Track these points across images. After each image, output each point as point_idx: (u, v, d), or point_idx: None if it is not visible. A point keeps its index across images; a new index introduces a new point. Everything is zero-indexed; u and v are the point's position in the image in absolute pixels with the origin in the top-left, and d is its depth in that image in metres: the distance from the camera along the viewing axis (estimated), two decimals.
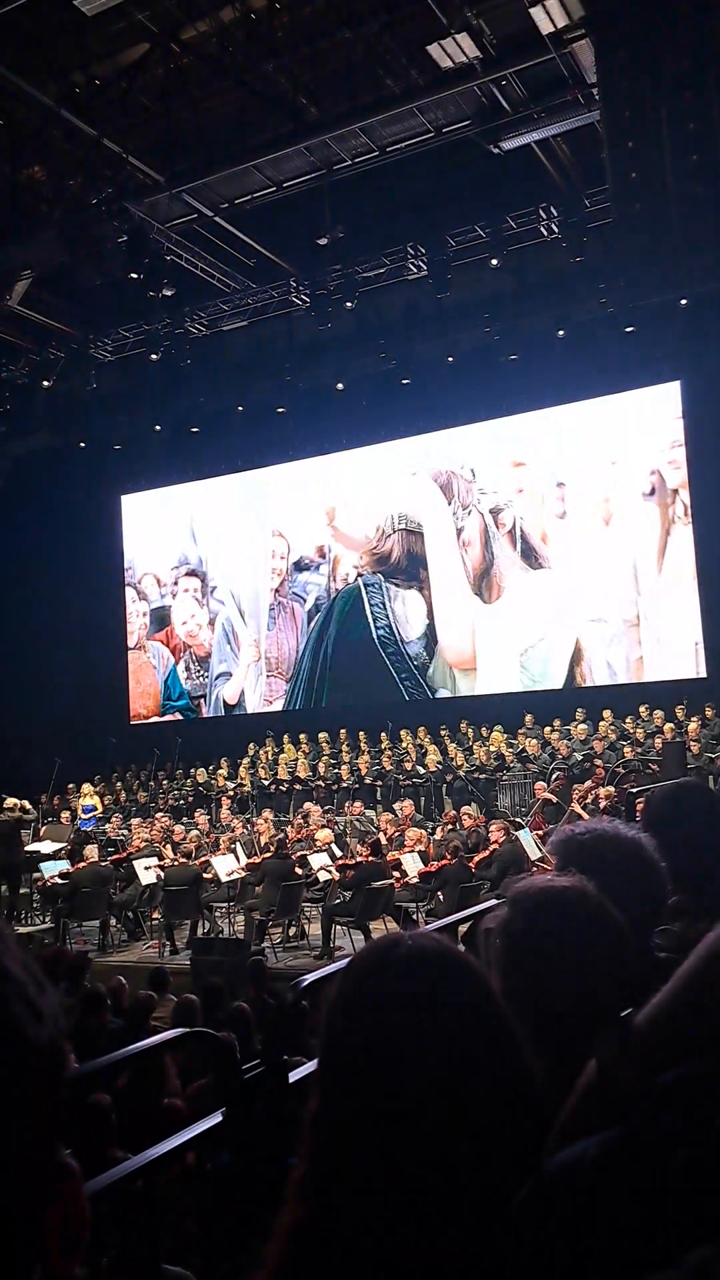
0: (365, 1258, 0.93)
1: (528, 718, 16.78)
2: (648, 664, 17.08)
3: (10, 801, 13.18)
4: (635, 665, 17.17)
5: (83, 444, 20.32)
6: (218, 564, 21.44)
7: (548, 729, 16.28)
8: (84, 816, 16.68)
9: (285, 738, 18.75)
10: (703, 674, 16.40)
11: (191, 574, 21.74)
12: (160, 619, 22.01)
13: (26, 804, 14.10)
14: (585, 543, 17.66)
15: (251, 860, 11.97)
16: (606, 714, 16.00)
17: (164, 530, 21.92)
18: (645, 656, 17.09)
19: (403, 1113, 0.95)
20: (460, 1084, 0.96)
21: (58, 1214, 0.61)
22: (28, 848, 13.78)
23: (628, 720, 15.88)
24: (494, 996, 1.05)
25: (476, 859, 10.91)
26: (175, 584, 21.89)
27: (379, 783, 16.67)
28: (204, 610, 21.57)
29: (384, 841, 11.88)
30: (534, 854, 10.51)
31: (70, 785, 18.44)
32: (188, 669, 21.66)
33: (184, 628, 21.77)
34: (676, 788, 2.37)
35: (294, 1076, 2.53)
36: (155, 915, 12.25)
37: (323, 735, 18.62)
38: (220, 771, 18.45)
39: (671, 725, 15.08)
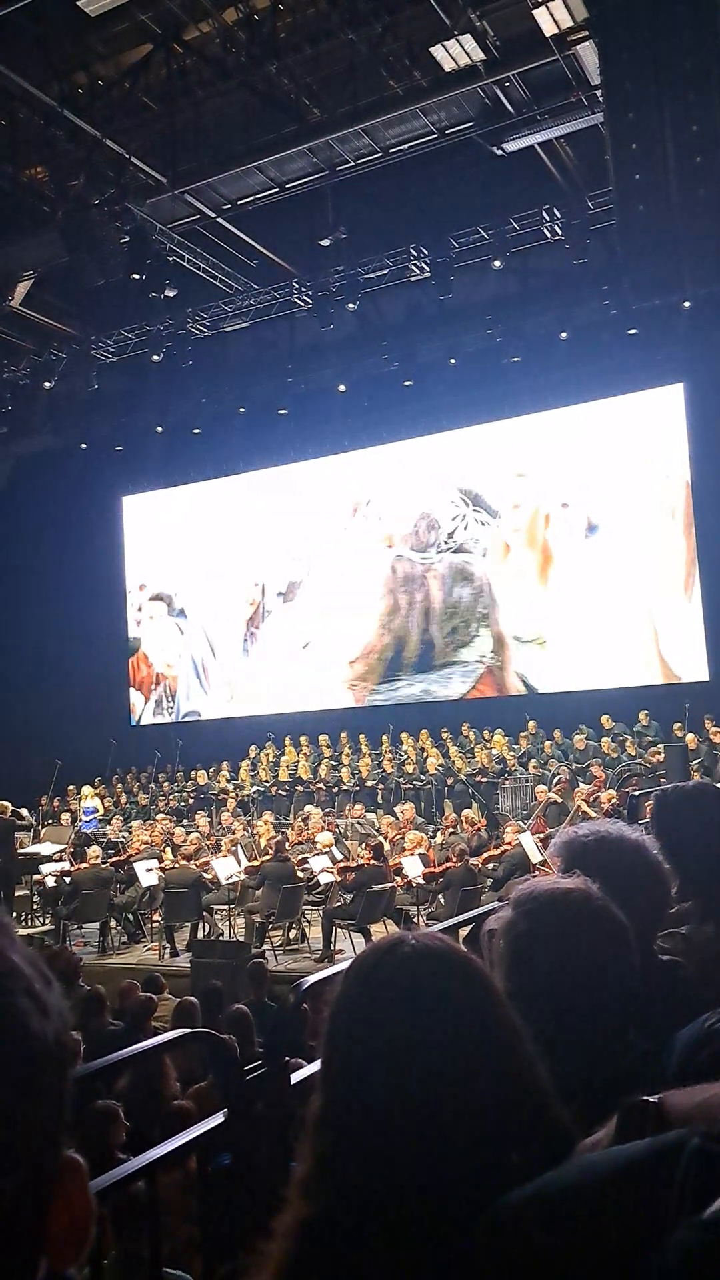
0: (368, 1256, 0.92)
1: (530, 724, 16.79)
2: (650, 667, 17.06)
3: (2, 804, 13.17)
4: (636, 668, 17.13)
5: (84, 445, 20.33)
6: (190, 588, 21.45)
7: (549, 743, 16.26)
8: (85, 818, 16.68)
9: (286, 740, 18.74)
10: (705, 677, 16.39)
11: (157, 598, 21.76)
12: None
13: (24, 811, 14.05)
14: (587, 543, 17.66)
15: (251, 864, 11.97)
16: (605, 720, 15.97)
17: (161, 539, 21.96)
18: (647, 659, 17.06)
19: (405, 1112, 0.95)
20: (463, 1083, 0.96)
21: (62, 1210, 0.60)
22: (28, 849, 13.78)
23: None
24: (497, 996, 1.05)
25: (485, 856, 10.93)
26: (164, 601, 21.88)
27: (380, 786, 16.67)
28: (184, 639, 21.57)
29: (386, 845, 11.88)
30: (535, 857, 10.51)
31: (70, 787, 18.45)
32: (159, 703, 21.67)
33: (161, 656, 21.75)
34: (690, 790, 2.36)
35: (295, 1078, 2.53)
36: (156, 918, 12.25)
37: (323, 738, 18.62)
38: (221, 774, 18.45)
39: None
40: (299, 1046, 3.50)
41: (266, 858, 11.70)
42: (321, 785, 17.13)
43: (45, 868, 12.80)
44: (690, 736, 14.57)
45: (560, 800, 13.25)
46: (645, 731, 15.61)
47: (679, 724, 15.15)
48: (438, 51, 11.28)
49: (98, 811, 17.13)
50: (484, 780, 15.89)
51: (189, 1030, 3.74)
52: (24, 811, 14.00)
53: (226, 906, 12.18)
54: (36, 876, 13.11)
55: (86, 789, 17.78)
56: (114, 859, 13.25)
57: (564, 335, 16.63)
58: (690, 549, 16.78)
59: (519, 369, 17.09)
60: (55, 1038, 0.61)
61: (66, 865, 12.76)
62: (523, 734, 16.70)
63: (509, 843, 11.00)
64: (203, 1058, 4.64)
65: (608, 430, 17.49)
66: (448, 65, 11.47)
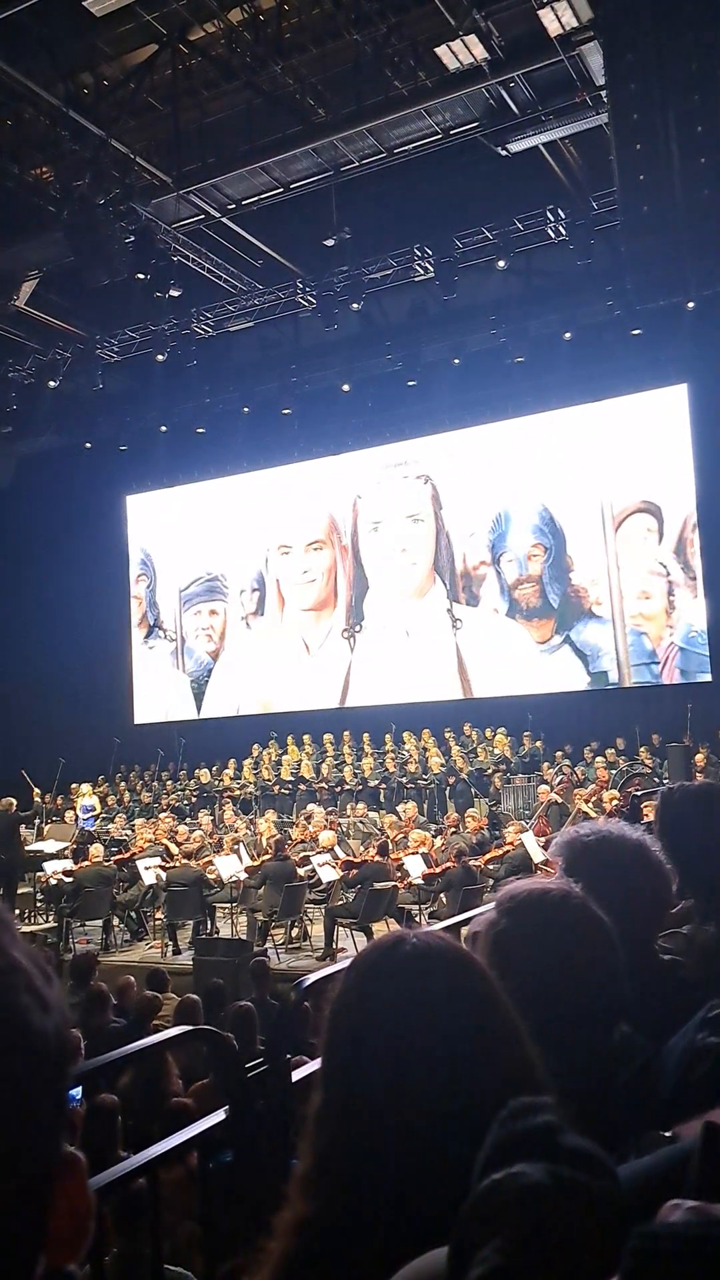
0: (369, 1254, 0.92)
1: (527, 739, 16.79)
2: (623, 663, 17.05)
3: (5, 800, 13.18)
4: (638, 670, 17.11)
5: (88, 444, 20.36)
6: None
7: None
8: (83, 816, 16.70)
9: (289, 739, 18.75)
10: (708, 679, 16.38)
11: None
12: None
13: (36, 791, 13.97)
14: (588, 545, 17.65)
15: (252, 864, 11.97)
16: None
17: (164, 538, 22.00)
18: (648, 661, 17.05)
19: (406, 1110, 0.95)
20: (463, 1081, 0.96)
21: (62, 1207, 0.61)
22: (31, 846, 13.79)
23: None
24: (498, 994, 1.05)
25: (487, 856, 10.92)
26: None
27: (382, 785, 16.67)
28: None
29: (389, 845, 11.89)
30: (537, 857, 10.51)
31: (74, 785, 18.46)
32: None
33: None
34: (695, 790, 2.36)
35: (296, 1076, 2.53)
36: (158, 915, 12.26)
37: (326, 736, 18.63)
38: (226, 772, 18.46)
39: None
40: (300, 1044, 3.50)
41: (268, 856, 11.71)
42: (324, 784, 17.14)
43: (48, 865, 12.82)
44: (703, 746, 14.51)
45: (562, 800, 13.24)
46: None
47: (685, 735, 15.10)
48: (442, 52, 11.27)
49: (95, 809, 17.14)
50: (488, 776, 15.89)
51: (190, 1028, 3.75)
52: (36, 791, 13.85)
53: (229, 904, 12.20)
54: (39, 874, 13.12)
55: (85, 786, 17.80)
56: (117, 857, 13.27)
57: (568, 336, 16.63)
58: (696, 548, 16.76)
59: (523, 369, 17.09)
60: (56, 1034, 0.61)
61: (69, 863, 12.77)
62: (525, 733, 16.69)
63: (511, 843, 10.99)
64: (204, 1055, 4.65)
65: (611, 431, 17.46)
66: (452, 65, 11.46)
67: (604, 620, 17.41)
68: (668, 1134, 0.94)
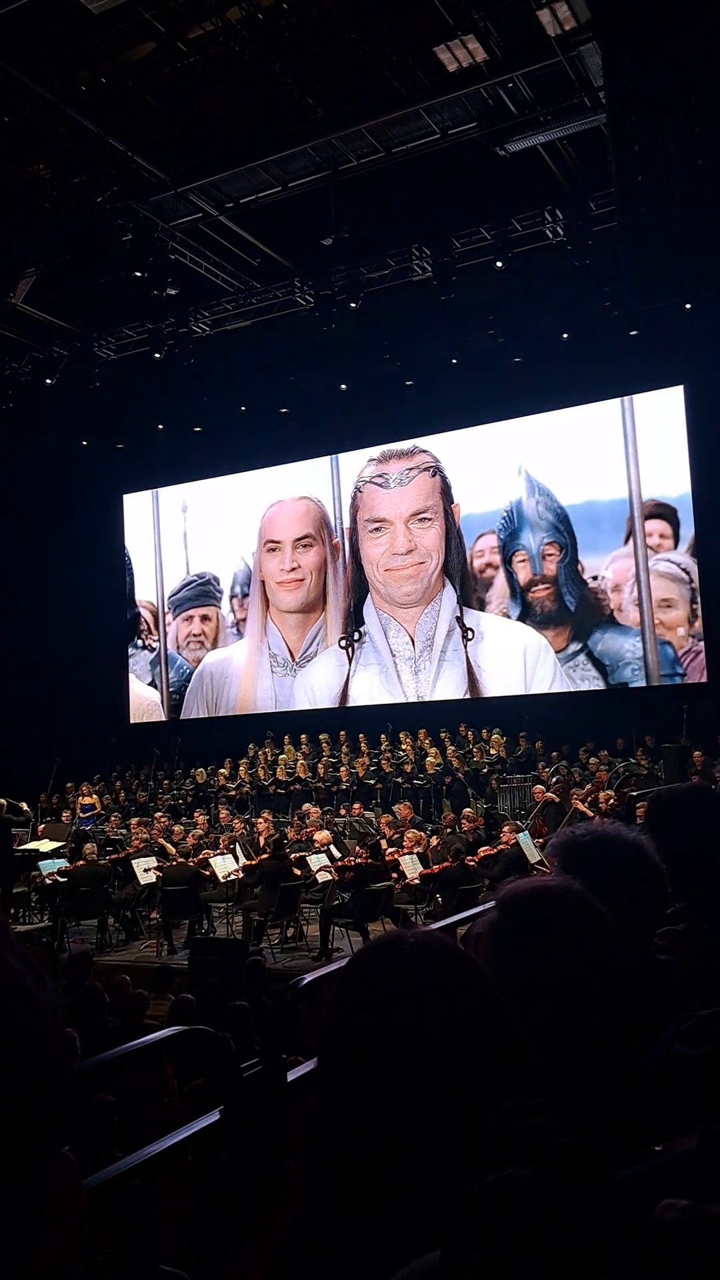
0: (364, 1254, 0.92)
1: (524, 739, 16.78)
2: (651, 670, 17.05)
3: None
4: (637, 672, 17.13)
5: (85, 443, 20.35)
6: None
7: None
8: (82, 816, 16.68)
9: (285, 739, 18.74)
10: (703, 679, 16.40)
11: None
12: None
13: (23, 805, 13.97)
14: (601, 550, 17.65)
15: (249, 862, 11.97)
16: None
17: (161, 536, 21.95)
18: (648, 662, 17.06)
19: (402, 1109, 0.95)
20: (459, 1081, 0.96)
21: (56, 1208, 0.60)
22: (26, 846, 13.77)
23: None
24: (495, 994, 1.05)
25: (481, 853, 10.93)
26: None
27: (378, 785, 16.67)
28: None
29: (384, 844, 11.89)
30: (533, 857, 10.52)
31: (69, 784, 18.45)
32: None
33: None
34: (686, 791, 2.36)
35: (291, 1076, 2.53)
36: (154, 915, 12.25)
37: (323, 736, 18.62)
38: (222, 771, 18.45)
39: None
40: (296, 1044, 3.50)
41: (265, 856, 11.71)
42: (320, 784, 17.14)
43: (44, 864, 12.80)
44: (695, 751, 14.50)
45: (558, 800, 13.25)
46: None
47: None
48: (441, 52, 11.27)
49: (95, 809, 17.13)
50: (484, 775, 15.91)
51: (185, 1028, 3.75)
52: (23, 805, 13.87)
53: (225, 904, 12.19)
54: (34, 874, 13.10)
55: (84, 787, 17.79)
56: (112, 856, 13.25)
57: (565, 336, 16.64)
58: (691, 550, 16.79)
59: (520, 370, 17.09)
60: (44, 1035, 0.61)
61: (64, 863, 12.76)
62: (521, 734, 16.70)
63: (505, 842, 11.01)
64: (200, 1055, 4.64)
65: (609, 433, 17.47)
66: (451, 66, 11.46)
67: (629, 629, 17.19)
68: (657, 1149, 0.94)
